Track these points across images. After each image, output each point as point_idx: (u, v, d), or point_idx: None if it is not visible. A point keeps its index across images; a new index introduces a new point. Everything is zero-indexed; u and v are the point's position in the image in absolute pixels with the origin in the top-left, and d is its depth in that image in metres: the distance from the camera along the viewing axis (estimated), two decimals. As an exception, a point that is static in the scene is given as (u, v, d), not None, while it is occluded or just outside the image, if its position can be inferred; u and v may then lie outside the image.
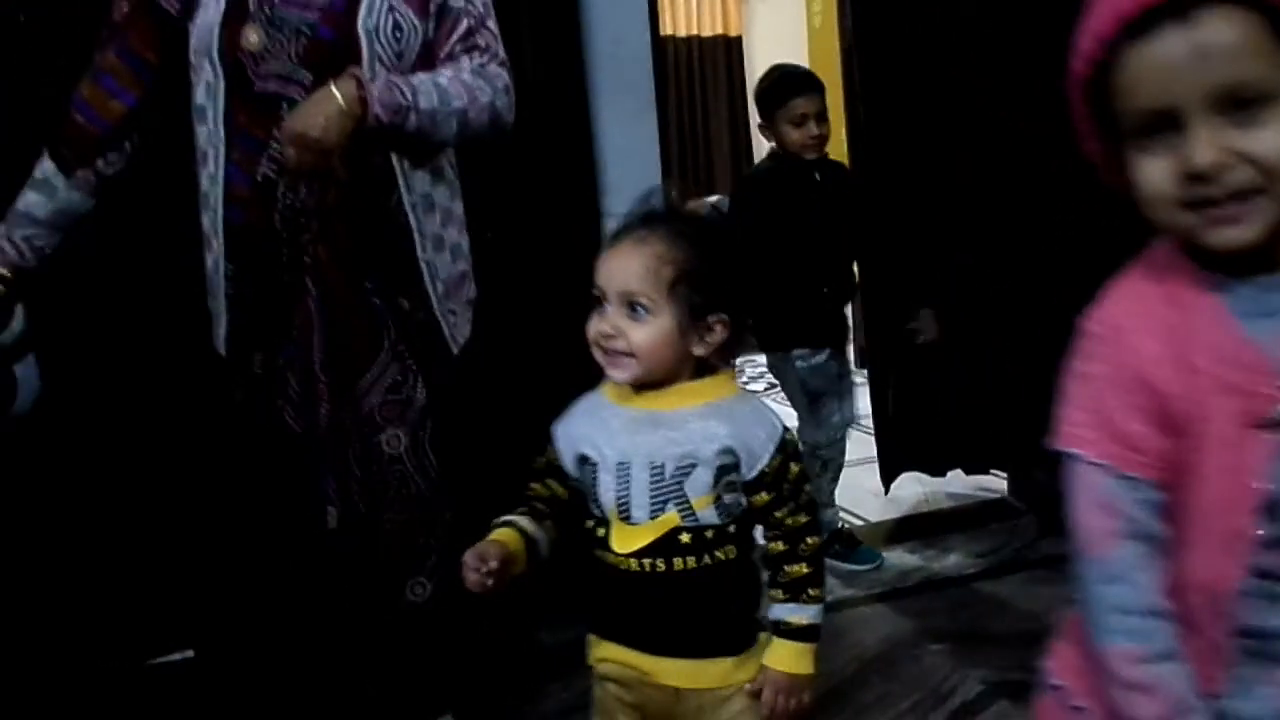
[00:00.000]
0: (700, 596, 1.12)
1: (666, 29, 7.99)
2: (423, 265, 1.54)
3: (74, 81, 1.52)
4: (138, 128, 1.52)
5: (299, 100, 1.38)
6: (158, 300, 1.73)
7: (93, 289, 1.71)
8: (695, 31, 8.12)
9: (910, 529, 2.77)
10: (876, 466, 2.85)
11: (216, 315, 1.53)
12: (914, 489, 3.02)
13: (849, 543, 2.58)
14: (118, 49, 1.50)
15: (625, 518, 1.11)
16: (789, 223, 2.43)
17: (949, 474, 2.89)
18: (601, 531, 1.14)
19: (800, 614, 1.12)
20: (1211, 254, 0.73)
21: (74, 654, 1.79)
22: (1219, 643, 0.76)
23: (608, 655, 1.17)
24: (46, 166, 1.50)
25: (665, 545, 1.10)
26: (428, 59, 1.50)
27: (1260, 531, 0.72)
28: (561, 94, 2.27)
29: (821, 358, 2.50)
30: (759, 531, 1.17)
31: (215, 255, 1.49)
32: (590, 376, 2.36)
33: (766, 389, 5.20)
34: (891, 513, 2.93)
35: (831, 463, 2.58)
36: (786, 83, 2.48)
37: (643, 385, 1.12)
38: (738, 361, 6.02)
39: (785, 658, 1.12)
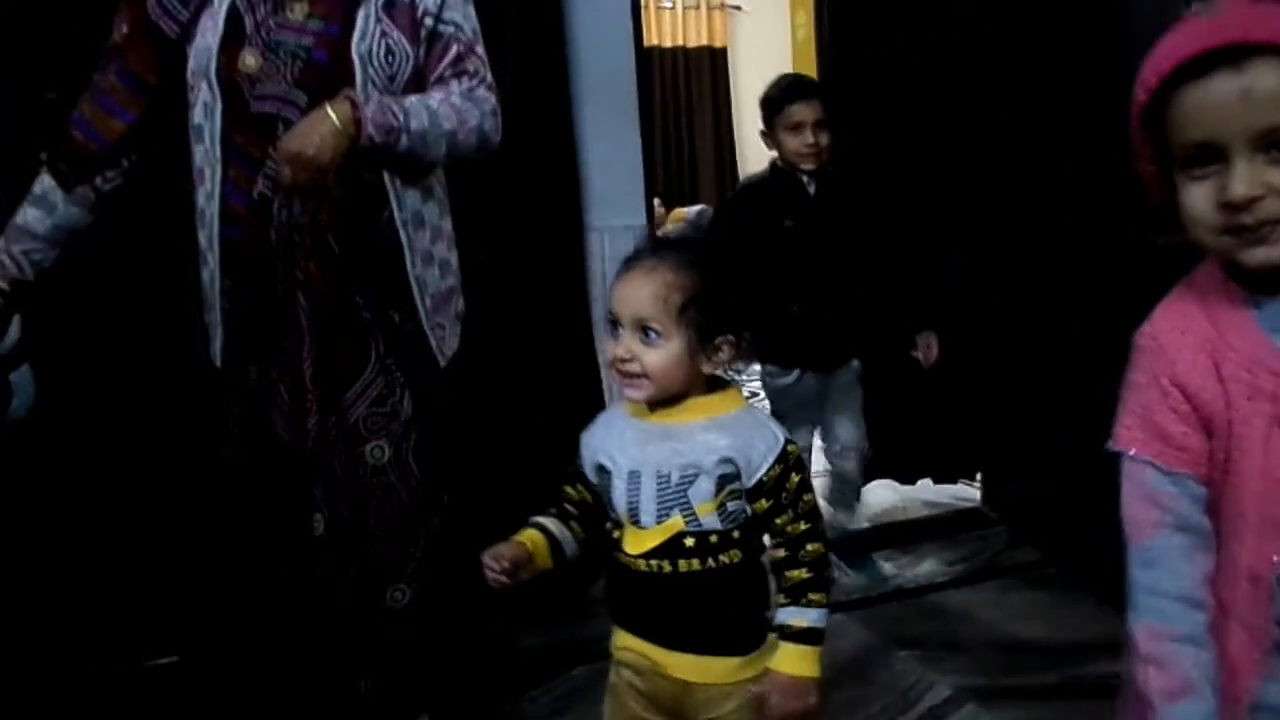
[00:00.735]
0: (704, 597, 1.20)
1: (652, 40, 8.05)
2: (413, 280, 1.58)
3: (75, 92, 1.56)
4: (136, 146, 1.56)
5: (294, 120, 1.43)
6: (153, 313, 1.77)
7: (89, 301, 1.74)
8: (681, 42, 8.18)
9: (885, 537, 2.80)
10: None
11: (212, 328, 1.57)
12: (888, 497, 3.07)
13: (854, 549, 2.59)
14: (117, 69, 1.55)
15: (635, 522, 1.20)
16: (762, 237, 2.33)
17: (919, 483, 2.97)
18: (617, 534, 1.23)
19: (802, 617, 1.18)
20: (1246, 272, 0.82)
21: (66, 657, 1.82)
22: (1262, 629, 0.84)
23: (626, 644, 1.26)
24: (46, 182, 1.54)
25: (671, 548, 1.18)
26: (418, 82, 1.55)
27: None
28: (548, 110, 2.34)
29: (788, 379, 2.44)
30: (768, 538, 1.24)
31: (211, 270, 1.53)
32: (575, 385, 2.43)
33: (748, 398, 5.27)
34: (866, 521, 2.98)
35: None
36: (785, 89, 2.41)
37: (657, 402, 1.20)
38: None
39: (788, 660, 1.18)
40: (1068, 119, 2.38)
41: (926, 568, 2.61)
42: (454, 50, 1.57)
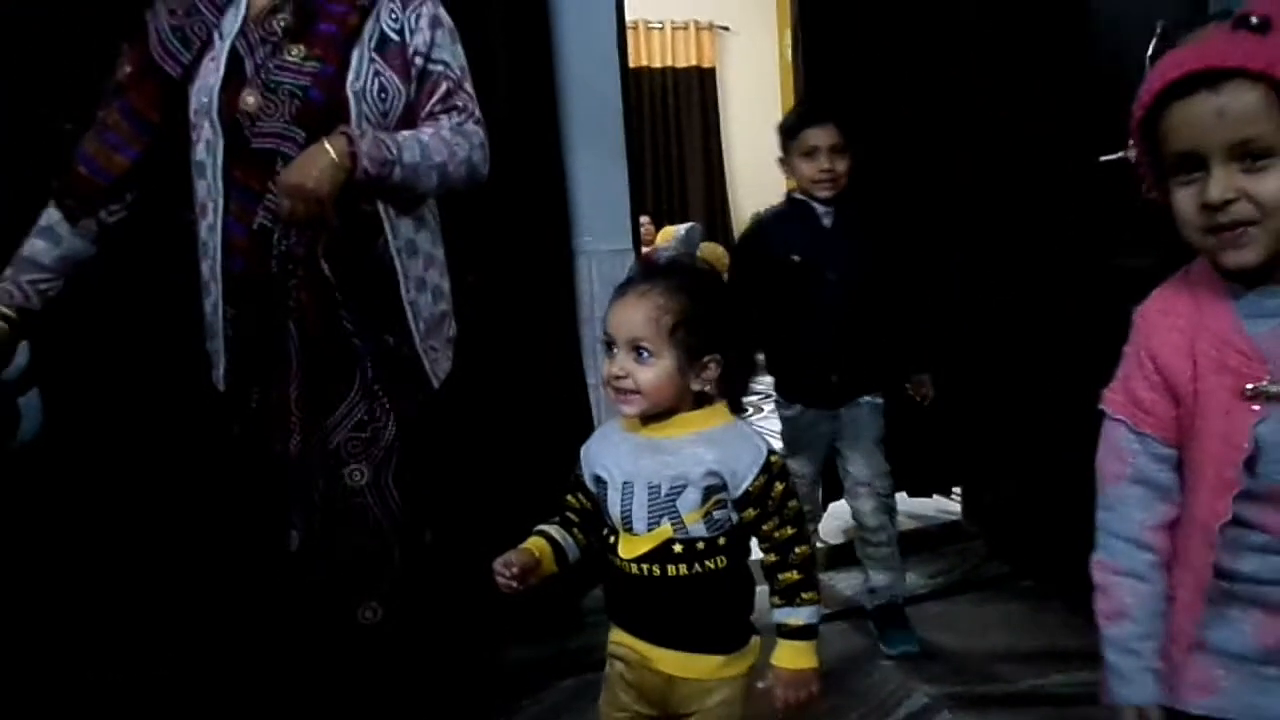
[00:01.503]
0: (690, 599, 1.29)
1: (642, 60, 8.18)
2: (406, 305, 1.64)
3: (90, 125, 1.63)
4: (139, 180, 1.63)
5: (293, 155, 1.50)
6: (157, 339, 1.83)
7: (95, 328, 1.80)
8: (670, 62, 8.29)
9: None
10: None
11: (215, 355, 1.63)
12: None
13: (899, 621, 2.35)
14: (121, 107, 1.62)
15: (629, 529, 1.29)
16: (769, 271, 2.27)
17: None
18: (613, 539, 1.33)
19: (795, 616, 1.29)
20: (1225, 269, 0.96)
21: (69, 673, 1.88)
22: (1203, 574, 0.98)
23: (619, 640, 1.37)
24: (52, 215, 1.61)
25: (661, 554, 1.28)
26: (410, 118, 1.62)
27: (1241, 483, 0.94)
28: (538, 140, 2.41)
29: (791, 412, 2.39)
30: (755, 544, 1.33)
31: (214, 300, 1.60)
32: (564, 403, 2.49)
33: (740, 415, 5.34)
34: (842, 534, 3.04)
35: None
36: (801, 114, 2.34)
37: (649, 417, 1.29)
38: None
39: (787, 655, 1.29)
40: (1034, 143, 2.46)
41: (908, 580, 2.67)
42: (443, 87, 1.64)
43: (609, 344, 1.29)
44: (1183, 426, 1.00)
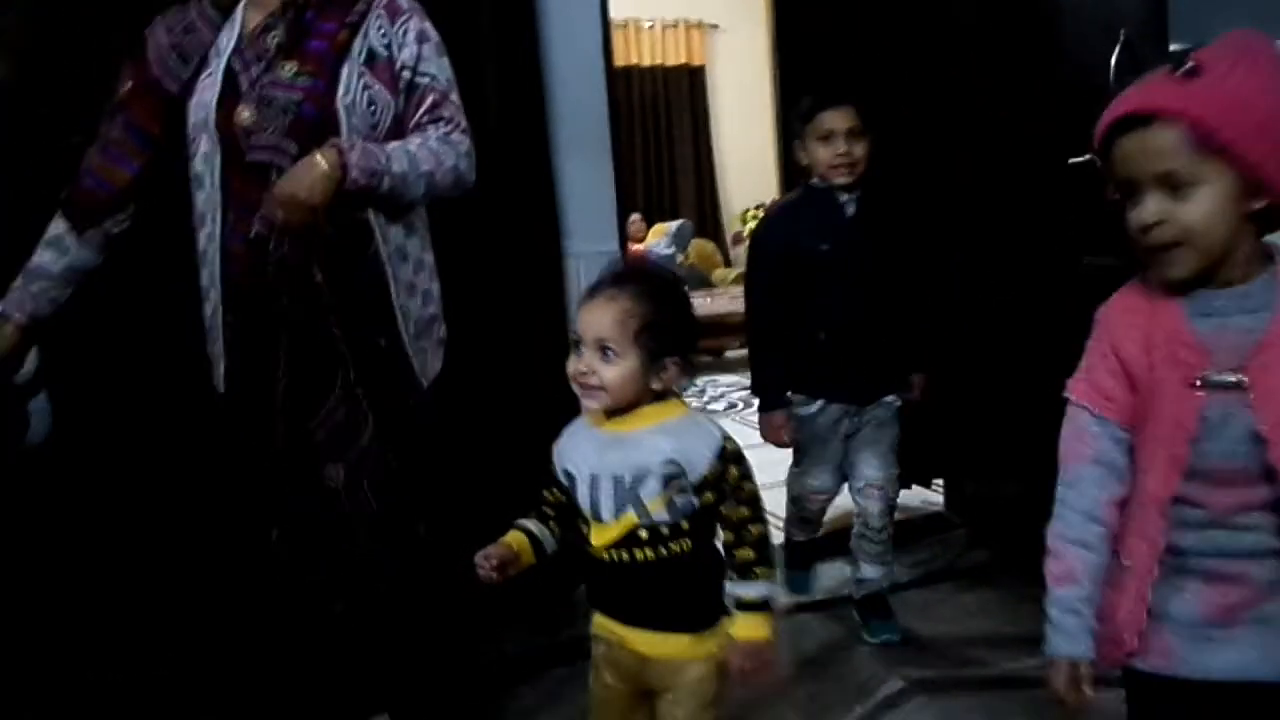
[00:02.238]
0: (659, 581, 1.38)
1: (631, 59, 8.25)
2: (397, 309, 1.70)
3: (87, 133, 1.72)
4: (141, 192, 1.70)
5: (286, 167, 1.56)
6: (161, 344, 1.90)
7: (102, 334, 1.87)
8: (660, 61, 8.37)
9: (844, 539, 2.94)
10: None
11: (215, 358, 1.70)
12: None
13: (883, 611, 2.38)
14: (122, 122, 1.70)
15: (598, 518, 1.38)
16: (794, 263, 2.21)
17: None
18: (585, 529, 1.41)
19: (750, 590, 1.36)
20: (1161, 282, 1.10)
21: (73, 671, 1.95)
22: (1156, 544, 1.09)
23: (598, 622, 1.47)
24: (59, 226, 1.69)
25: (628, 540, 1.37)
26: (398, 129, 1.69)
27: (1189, 460, 1.06)
28: (527, 148, 2.49)
29: (811, 408, 2.30)
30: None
31: (213, 305, 1.67)
32: (553, 402, 2.56)
33: (726, 409, 5.42)
34: (830, 524, 3.12)
35: (793, 512, 2.50)
36: (816, 96, 2.22)
37: (612, 412, 1.38)
38: (700, 381, 6.24)
39: (744, 627, 1.36)
40: (1010, 144, 2.53)
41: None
42: (430, 99, 1.70)
43: (577, 342, 1.38)
44: (1138, 412, 1.11)
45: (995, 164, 2.59)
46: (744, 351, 2.33)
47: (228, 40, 1.68)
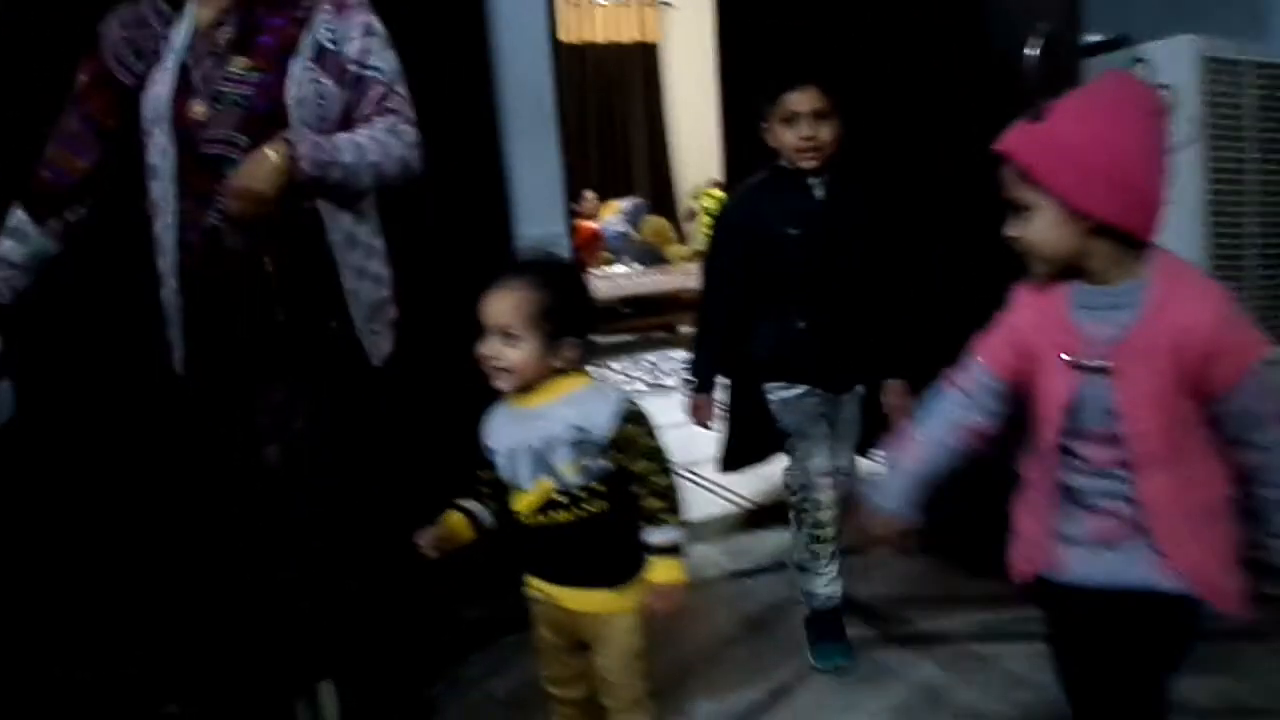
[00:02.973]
0: (578, 541, 1.52)
1: (585, 36, 8.28)
2: (347, 293, 1.78)
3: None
4: (98, 182, 1.76)
5: (239, 160, 1.62)
6: (121, 328, 1.95)
7: (64, 319, 1.94)
8: (614, 38, 8.40)
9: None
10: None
11: (174, 342, 1.77)
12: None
13: (825, 630, 2.21)
14: (79, 115, 1.75)
15: (518, 487, 1.51)
16: (763, 248, 2.15)
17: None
18: (509, 498, 1.55)
19: (660, 536, 1.49)
20: None
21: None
22: (1053, 478, 1.32)
23: (530, 583, 1.61)
24: (20, 216, 1.74)
25: (547, 505, 1.51)
26: (346, 121, 1.75)
27: (1064, 423, 1.28)
28: (477, 134, 2.56)
29: (794, 392, 2.20)
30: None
31: (170, 292, 1.73)
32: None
33: (679, 384, 5.53)
34: (774, 495, 3.23)
35: (805, 516, 2.19)
36: (780, 75, 2.13)
37: (522, 389, 1.51)
38: (653, 356, 6.34)
39: (657, 570, 1.50)
40: (943, 134, 2.63)
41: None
42: (377, 91, 1.76)
43: (485, 329, 1.50)
44: (1023, 375, 1.34)
45: (972, 154, 2.66)
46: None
47: (180, 35, 1.73)
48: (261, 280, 1.68)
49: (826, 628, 2.19)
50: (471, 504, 1.59)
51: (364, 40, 1.76)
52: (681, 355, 6.25)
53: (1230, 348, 1.20)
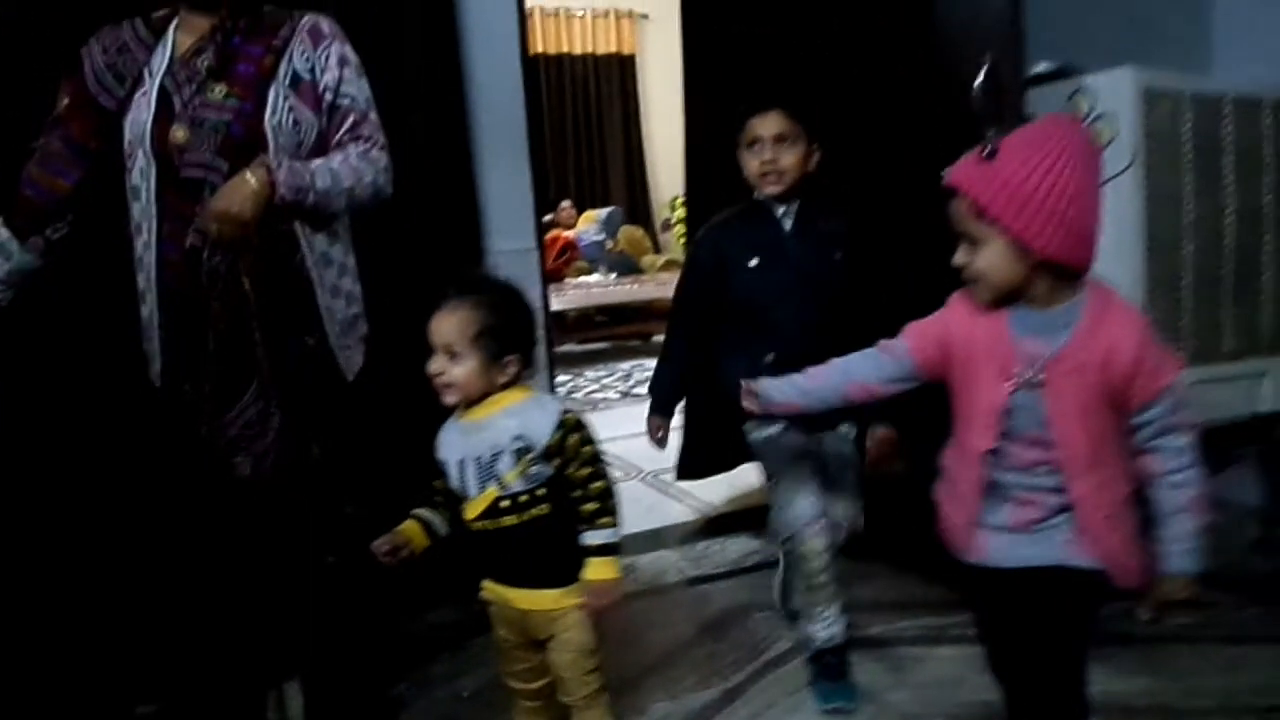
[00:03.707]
0: (524, 543, 1.62)
1: (563, 47, 8.38)
2: (323, 310, 1.86)
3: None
4: (79, 202, 1.83)
5: (218, 184, 1.70)
6: (102, 341, 2.02)
7: (46, 333, 2.00)
8: (591, 50, 8.50)
9: (754, 518, 3.12)
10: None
11: (151, 355, 1.84)
12: (753, 481, 3.31)
13: (825, 671, 2.12)
14: (61, 136, 1.82)
15: (467, 495, 1.61)
16: (727, 279, 2.12)
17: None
18: (461, 506, 1.65)
19: (596, 536, 1.61)
20: None
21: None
22: (978, 475, 1.44)
23: (485, 585, 1.70)
24: (2, 233, 1.81)
25: (493, 511, 1.61)
26: (321, 147, 1.83)
27: (1000, 428, 1.41)
28: (452, 154, 2.66)
29: (770, 431, 2.13)
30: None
31: (150, 308, 1.81)
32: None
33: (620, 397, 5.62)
34: (737, 503, 3.36)
35: (797, 565, 2.13)
36: (748, 100, 2.09)
37: (469, 403, 1.62)
38: (627, 365, 6.42)
39: (594, 569, 1.61)
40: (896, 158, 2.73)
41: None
42: (351, 119, 1.85)
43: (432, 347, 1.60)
44: (942, 375, 1.50)
45: (927, 177, 2.74)
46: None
47: (160, 61, 1.81)
48: (240, 299, 1.76)
49: (827, 669, 2.11)
50: (426, 512, 1.69)
51: (339, 70, 1.85)
52: (654, 364, 6.33)
53: (1150, 368, 1.34)
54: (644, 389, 5.59)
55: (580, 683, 1.66)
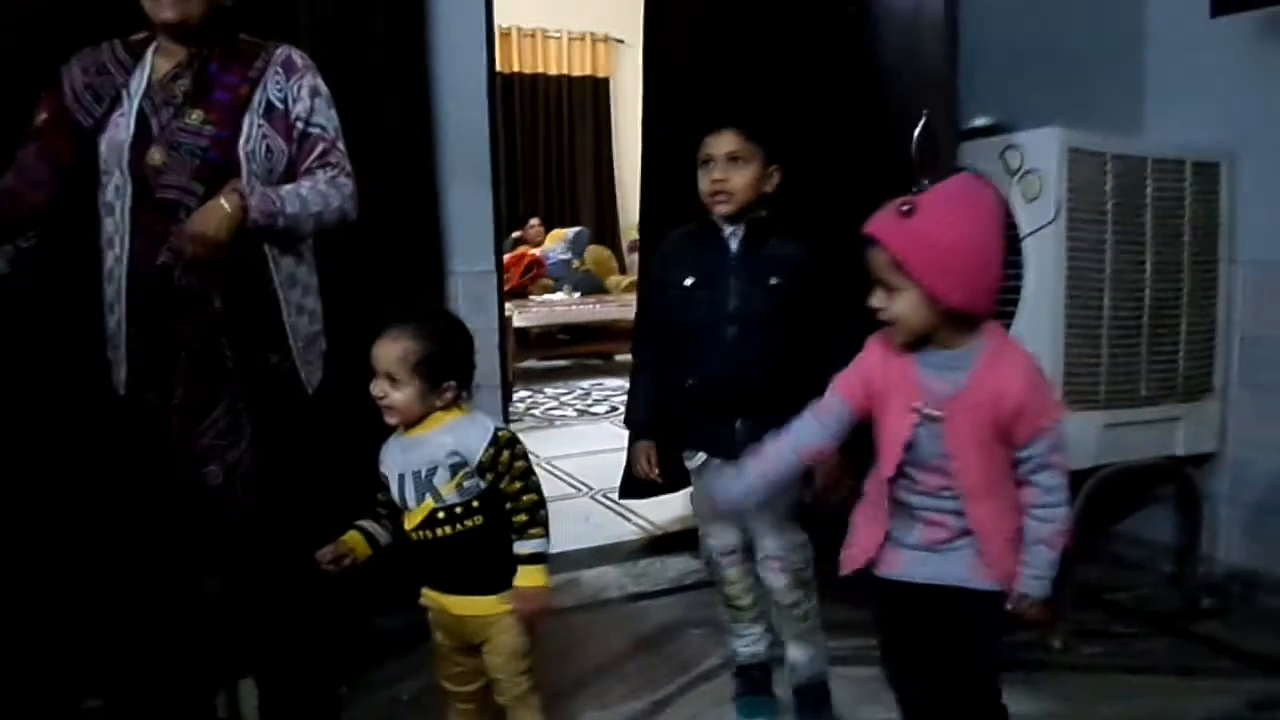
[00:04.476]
0: (459, 552, 1.75)
1: (539, 68, 8.52)
2: (288, 328, 1.96)
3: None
4: (51, 214, 1.91)
5: (193, 206, 1.79)
6: (66, 348, 2.09)
7: (11, 338, 2.07)
8: (566, 71, 8.65)
9: (696, 538, 3.21)
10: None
11: (116, 364, 1.92)
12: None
13: (748, 685, 2.23)
14: (37, 150, 1.90)
15: (405, 507, 1.73)
16: (664, 299, 2.10)
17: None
18: (401, 518, 1.77)
19: (526, 546, 1.73)
20: None
21: None
22: (887, 504, 1.59)
23: (423, 592, 1.81)
24: None
25: (429, 521, 1.73)
26: (291, 173, 1.94)
27: (903, 457, 1.54)
28: (416, 179, 2.77)
29: (696, 462, 2.12)
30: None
31: (118, 318, 1.89)
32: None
33: (607, 412, 5.73)
34: (683, 522, 3.44)
35: (718, 586, 2.20)
36: (705, 121, 2.05)
37: (410, 422, 1.74)
38: (586, 384, 6.52)
39: (524, 577, 1.73)
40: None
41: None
42: (320, 147, 1.96)
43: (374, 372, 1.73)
44: (867, 408, 1.60)
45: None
46: (630, 357, 2.41)
47: (138, 83, 1.90)
48: (210, 318, 1.86)
49: (749, 683, 2.23)
50: (368, 524, 1.81)
51: (310, 100, 1.95)
52: (613, 384, 6.46)
53: (1034, 409, 1.49)
54: (601, 408, 5.76)
55: (513, 683, 1.78)
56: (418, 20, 2.75)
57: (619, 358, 6.92)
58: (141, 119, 1.87)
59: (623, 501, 3.56)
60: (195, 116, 1.87)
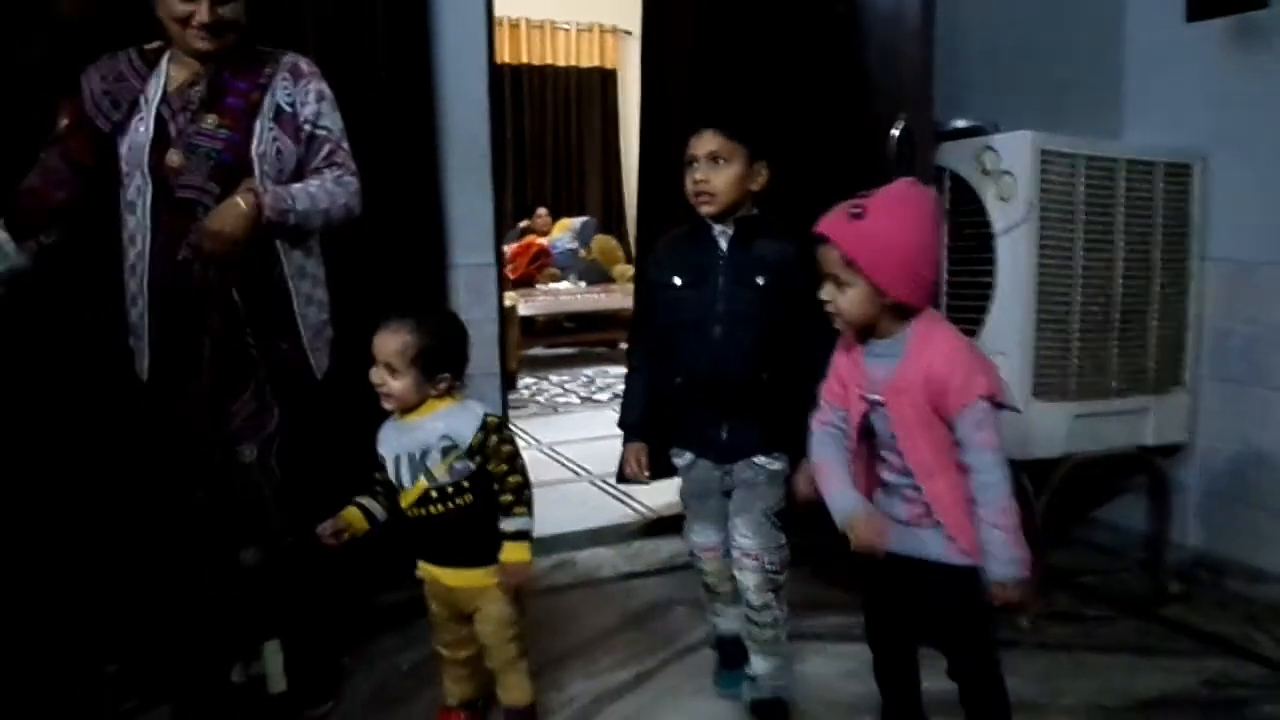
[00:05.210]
0: (451, 528, 1.89)
1: (547, 59, 8.62)
2: (299, 317, 2.10)
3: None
4: (73, 212, 2.04)
5: (210, 205, 1.93)
6: (91, 337, 2.22)
7: (38, 329, 2.20)
8: (575, 62, 8.74)
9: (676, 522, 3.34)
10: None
11: (139, 352, 2.06)
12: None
13: (728, 658, 2.30)
14: (59, 152, 2.03)
15: (401, 487, 1.88)
16: (655, 299, 2.14)
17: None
18: (398, 496, 1.91)
19: (511, 523, 1.87)
20: None
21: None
22: (874, 481, 1.75)
23: (419, 565, 1.97)
24: (0, 236, 2.02)
25: (423, 500, 1.87)
26: (299, 172, 2.08)
27: (860, 439, 1.72)
28: (421, 175, 2.90)
29: (684, 460, 2.17)
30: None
31: (140, 310, 2.03)
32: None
33: (610, 399, 5.85)
34: (678, 507, 3.54)
35: (706, 585, 2.26)
36: (692, 121, 2.06)
37: (404, 409, 1.88)
38: (590, 371, 6.64)
39: (508, 552, 1.87)
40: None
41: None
42: (327, 148, 2.10)
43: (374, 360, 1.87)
44: (848, 410, 1.74)
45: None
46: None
47: (155, 90, 2.02)
48: (232, 310, 2.00)
49: (728, 657, 2.29)
50: (366, 500, 1.95)
51: (317, 104, 2.09)
52: (616, 371, 6.58)
53: (958, 386, 1.60)
54: (605, 395, 5.89)
55: (502, 650, 1.93)
56: (419, 17, 2.87)
57: (623, 346, 7.02)
58: (160, 123, 2.00)
59: (620, 486, 3.69)
60: (210, 121, 2.00)
